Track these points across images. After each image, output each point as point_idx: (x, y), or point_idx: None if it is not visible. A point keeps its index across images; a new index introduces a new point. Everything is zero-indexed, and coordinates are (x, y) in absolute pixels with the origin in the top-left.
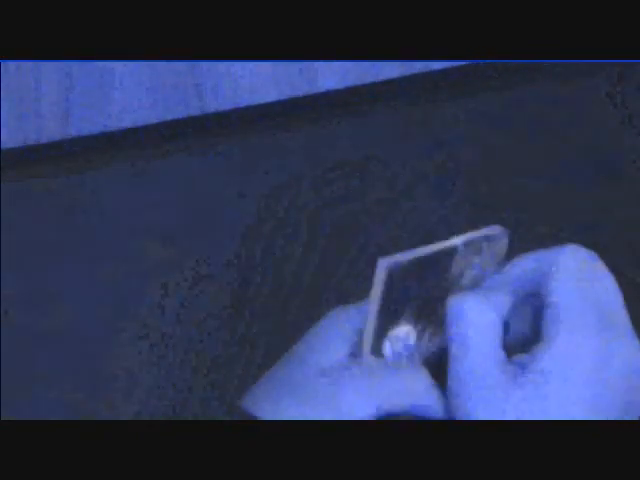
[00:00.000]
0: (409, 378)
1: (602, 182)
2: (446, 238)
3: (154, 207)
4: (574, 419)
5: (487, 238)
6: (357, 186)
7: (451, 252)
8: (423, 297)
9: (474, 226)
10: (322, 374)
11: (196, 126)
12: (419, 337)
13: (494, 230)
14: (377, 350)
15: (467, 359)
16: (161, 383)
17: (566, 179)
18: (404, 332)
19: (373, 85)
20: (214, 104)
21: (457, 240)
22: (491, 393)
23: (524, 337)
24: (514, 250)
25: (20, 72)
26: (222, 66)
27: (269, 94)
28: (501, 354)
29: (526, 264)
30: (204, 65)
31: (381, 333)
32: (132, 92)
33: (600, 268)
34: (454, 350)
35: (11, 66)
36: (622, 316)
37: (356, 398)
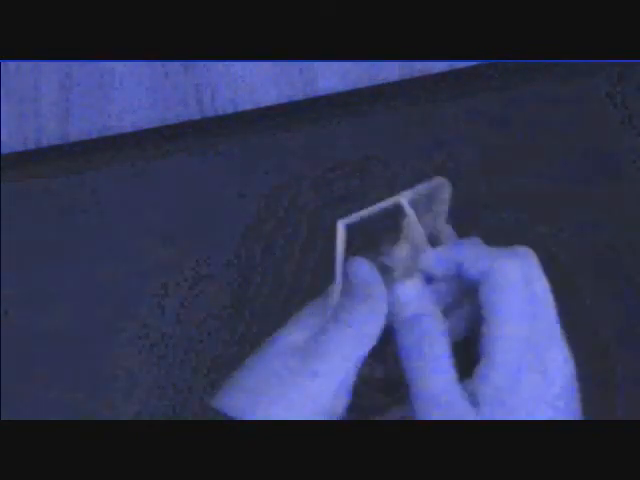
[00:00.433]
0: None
1: (602, 182)
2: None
3: (154, 207)
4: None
5: (431, 191)
6: (357, 186)
7: (399, 208)
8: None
9: (474, 225)
10: (296, 348)
11: (196, 126)
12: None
13: (436, 182)
14: None
15: (428, 383)
16: (161, 383)
17: (566, 179)
18: None
19: (373, 86)
20: (214, 104)
21: (401, 196)
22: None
23: (458, 334)
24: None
25: (20, 72)
26: (222, 66)
27: (269, 94)
28: (454, 373)
29: (470, 257)
30: (204, 65)
31: None
32: (132, 92)
33: (538, 276)
34: (412, 364)
35: (11, 66)
36: (554, 324)
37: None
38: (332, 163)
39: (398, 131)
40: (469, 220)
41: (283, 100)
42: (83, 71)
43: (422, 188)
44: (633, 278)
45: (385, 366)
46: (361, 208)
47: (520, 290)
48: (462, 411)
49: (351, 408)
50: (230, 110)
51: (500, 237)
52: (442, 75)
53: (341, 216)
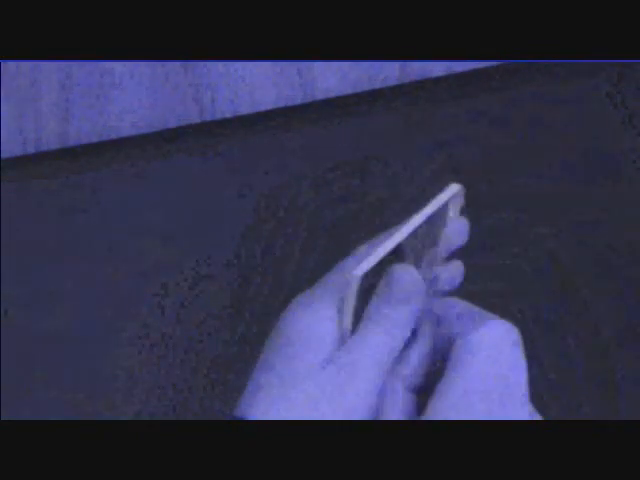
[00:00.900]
0: None
1: (602, 182)
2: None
3: (154, 207)
4: None
5: (446, 202)
6: (357, 186)
7: (402, 245)
8: None
9: (474, 225)
10: (321, 367)
11: (196, 127)
12: None
13: (450, 191)
14: None
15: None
16: (161, 383)
17: (566, 179)
18: None
19: (373, 87)
20: (213, 104)
21: (405, 231)
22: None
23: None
24: (514, 250)
25: (20, 72)
26: (221, 66)
27: (269, 94)
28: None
29: (451, 317)
30: (204, 65)
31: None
32: (132, 92)
33: (515, 357)
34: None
35: (11, 66)
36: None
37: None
38: (332, 163)
39: (398, 131)
40: (469, 220)
41: (283, 100)
42: (83, 71)
43: (435, 203)
44: (633, 278)
45: None
46: (361, 208)
47: (486, 364)
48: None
49: None
50: (230, 110)
51: (500, 237)
52: (442, 76)
53: (341, 216)
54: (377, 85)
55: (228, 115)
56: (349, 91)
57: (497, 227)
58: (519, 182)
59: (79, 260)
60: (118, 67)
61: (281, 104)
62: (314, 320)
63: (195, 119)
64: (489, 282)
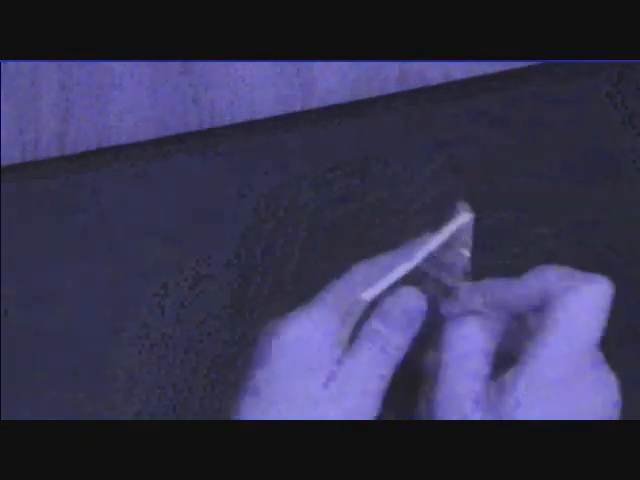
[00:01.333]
0: None
1: (602, 182)
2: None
3: (154, 207)
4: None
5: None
6: (357, 186)
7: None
8: None
9: (474, 225)
10: (324, 386)
11: (196, 126)
12: None
13: (461, 219)
14: None
15: (456, 383)
16: (161, 383)
17: (566, 179)
18: None
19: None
20: (213, 104)
21: (418, 256)
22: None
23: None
24: (514, 250)
25: (20, 72)
26: (221, 66)
27: (268, 94)
28: (486, 379)
29: (536, 284)
30: (203, 65)
31: None
32: (132, 92)
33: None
34: (449, 372)
35: (11, 66)
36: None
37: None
38: (332, 163)
39: (398, 131)
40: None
41: (282, 100)
42: (83, 71)
43: (447, 231)
44: (633, 278)
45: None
46: (361, 208)
47: (581, 325)
48: (472, 412)
49: None
50: (230, 110)
51: (500, 237)
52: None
53: (341, 216)
54: (377, 85)
55: (228, 115)
56: (349, 91)
57: (497, 227)
58: (519, 182)
59: (79, 260)
60: (118, 67)
61: (281, 104)
62: (314, 337)
63: (195, 119)
64: None
